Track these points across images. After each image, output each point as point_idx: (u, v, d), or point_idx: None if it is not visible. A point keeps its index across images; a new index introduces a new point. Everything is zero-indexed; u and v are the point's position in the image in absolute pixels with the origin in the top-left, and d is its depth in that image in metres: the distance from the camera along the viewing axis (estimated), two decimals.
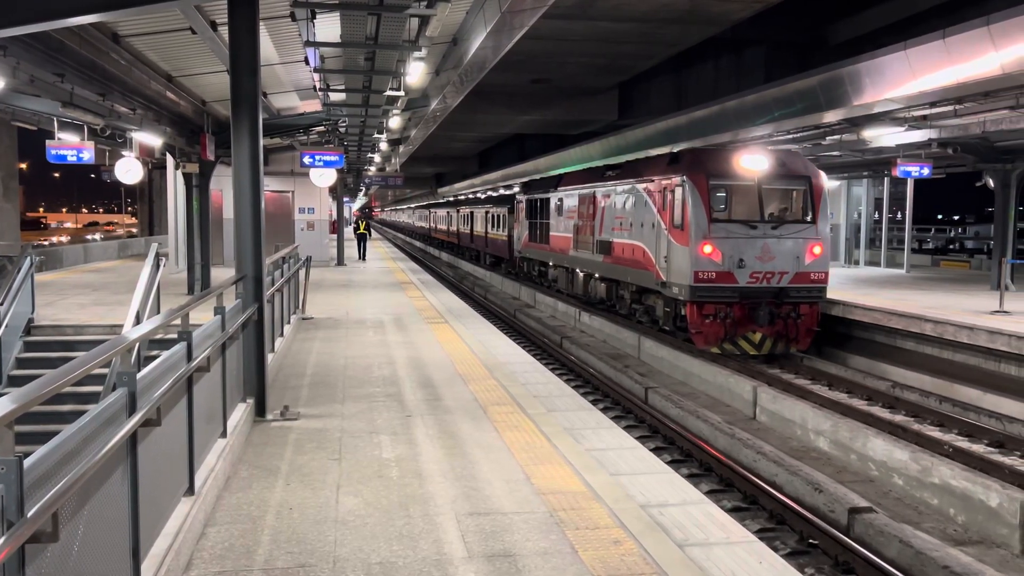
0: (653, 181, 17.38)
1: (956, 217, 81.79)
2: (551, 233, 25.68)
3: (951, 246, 49.59)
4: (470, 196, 51.83)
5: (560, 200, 24.79)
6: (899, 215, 40.72)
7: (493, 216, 36.99)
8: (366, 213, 38.00)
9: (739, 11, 15.68)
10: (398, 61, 11.81)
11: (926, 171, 21.41)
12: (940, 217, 79.35)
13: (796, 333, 15.86)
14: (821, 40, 17.72)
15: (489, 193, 46.06)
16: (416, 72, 12.82)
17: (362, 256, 32.41)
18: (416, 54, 11.11)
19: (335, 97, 15.88)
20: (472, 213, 42.83)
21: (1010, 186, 21.58)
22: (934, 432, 11.41)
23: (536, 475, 6.28)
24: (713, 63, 20.70)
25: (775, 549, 7.44)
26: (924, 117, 16.29)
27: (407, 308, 16.61)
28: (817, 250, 15.77)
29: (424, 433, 7.42)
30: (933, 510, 9.08)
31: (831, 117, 15.58)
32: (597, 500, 5.76)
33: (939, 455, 9.72)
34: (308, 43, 10.34)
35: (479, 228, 40.42)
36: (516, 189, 41.88)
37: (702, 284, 15.38)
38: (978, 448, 10.68)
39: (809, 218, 15.92)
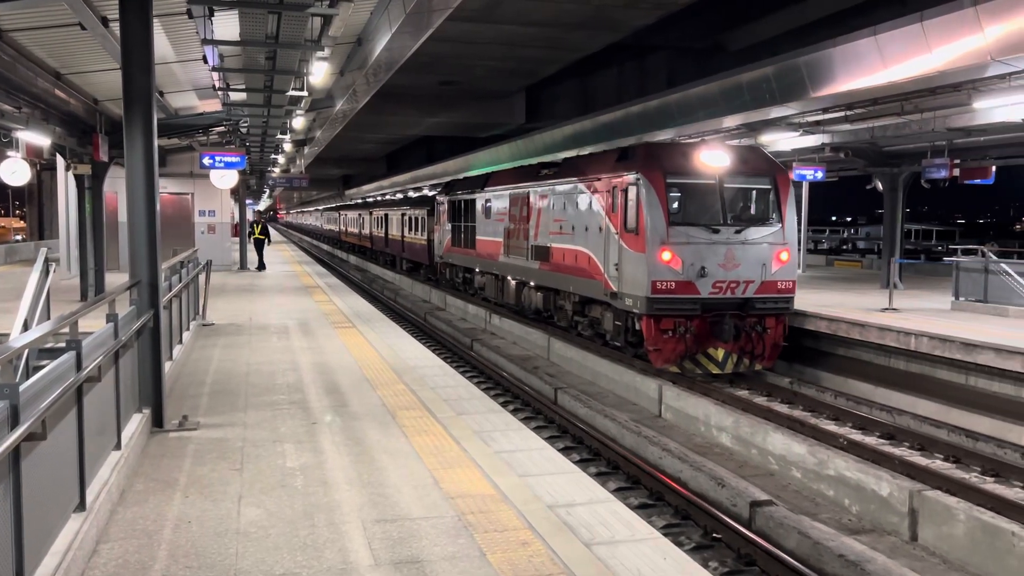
0: (600, 179, 15.57)
1: (849, 219, 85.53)
2: (478, 237, 23.56)
3: (844, 246, 51.75)
4: (385, 197, 50.03)
5: (488, 201, 22.77)
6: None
7: (411, 219, 34.27)
8: (265, 215, 32.60)
9: (641, 17, 15.97)
10: (301, 61, 11.60)
11: (820, 174, 22.29)
12: (834, 219, 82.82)
13: (762, 349, 14.29)
14: (721, 46, 18.23)
15: (409, 193, 44.00)
16: (320, 72, 12.61)
17: (261, 264, 29.02)
18: (319, 54, 10.94)
19: (236, 97, 15.49)
20: (387, 215, 39.94)
21: (897, 189, 22.68)
22: (830, 426, 11.85)
23: (445, 479, 6.24)
24: (618, 68, 21.06)
25: (680, 545, 7.60)
26: (818, 123, 16.97)
27: (313, 313, 16.32)
28: (784, 256, 14.26)
29: (330, 440, 7.29)
30: (829, 501, 9.43)
31: (730, 122, 16.06)
32: (506, 502, 5.77)
33: (834, 448, 10.10)
34: (206, 41, 10.04)
35: (395, 231, 37.73)
36: (427, 190, 41.61)
37: (661, 295, 13.67)
38: (871, 440, 11.14)
39: (775, 220, 14.37)
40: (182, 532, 5.23)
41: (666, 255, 13.69)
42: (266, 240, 29.74)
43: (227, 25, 10.10)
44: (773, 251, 14.19)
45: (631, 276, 14.24)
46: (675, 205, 14.14)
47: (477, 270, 24.33)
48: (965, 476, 9.69)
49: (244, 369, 10.53)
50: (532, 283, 19.57)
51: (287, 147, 29.81)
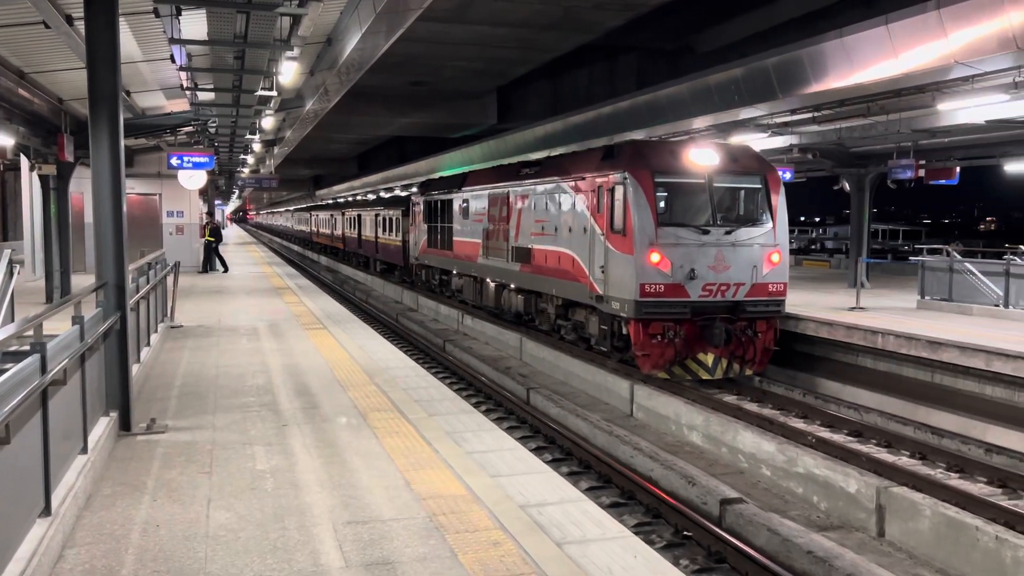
0: (584, 179, 15.06)
1: (817, 219, 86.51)
2: (455, 238, 22.82)
3: (813, 246, 52.31)
4: (357, 198, 49.47)
5: (466, 201, 22.05)
6: None
7: (385, 219, 33.45)
8: (212, 220, 27.89)
9: (611, 19, 16.04)
10: (270, 60, 11.53)
11: (788, 175, 22.52)
12: (803, 219, 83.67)
13: (753, 354, 13.89)
14: (690, 48, 18.37)
15: (381, 194, 43.36)
16: (289, 72, 12.53)
17: (210, 267, 27.28)
18: (288, 53, 10.87)
19: (204, 96, 15.35)
20: (360, 216, 39.05)
21: (864, 189, 22.97)
22: (799, 424, 11.98)
23: (416, 480, 6.23)
24: (589, 69, 21.14)
25: (651, 543, 7.65)
26: (786, 124, 17.16)
27: (284, 314, 16.20)
28: (776, 258, 13.86)
29: (301, 443, 7.25)
30: (798, 498, 9.53)
31: (700, 123, 16.18)
32: (477, 502, 5.77)
33: (803, 446, 10.21)
34: (173, 40, 9.95)
35: (368, 232, 36.83)
36: (399, 191, 41.35)
37: (649, 299, 13.23)
38: (839, 438, 11.28)
39: (766, 221, 14.00)
40: (150, 536, 5.17)
41: (655, 257, 13.28)
42: (216, 242, 27.87)
43: (195, 24, 10.01)
44: (764, 252, 13.80)
45: (618, 279, 13.79)
46: (662, 205, 13.75)
47: (454, 272, 23.60)
48: (931, 472, 9.85)
49: (213, 371, 10.43)
50: (512, 286, 19.02)
51: (256, 147, 29.61)
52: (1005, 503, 8.76)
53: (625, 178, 13.57)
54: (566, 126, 20.14)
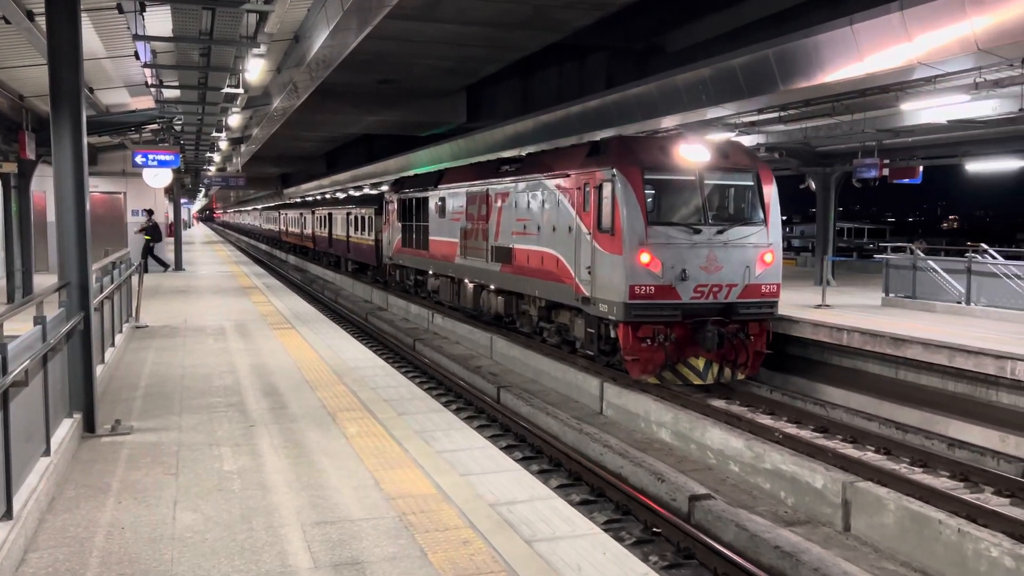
0: (569, 176, 14.56)
1: (784, 218, 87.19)
2: (431, 237, 22.22)
3: None
4: (326, 196, 49.24)
5: (442, 199, 21.48)
6: None
7: (357, 218, 32.67)
8: (151, 217, 25.03)
9: (580, 18, 16.06)
10: (236, 57, 11.42)
11: None
12: None
13: (745, 357, 13.45)
14: (659, 48, 18.45)
15: (351, 192, 42.60)
16: (256, 69, 12.44)
17: (146, 267, 24.07)
18: (255, 51, 10.78)
19: (169, 94, 15.16)
20: (331, 215, 38.22)
21: (830, 188, 23.27)
22: (766, 420, 12.10)
23: (386, 480, 6.20)
24: (558, 69, 21.16)
25: (620, 540, 7.68)
26: (753, 123, 17.31)
27: (251, 314, 16.06)
28: (769, 258, 13.43)
29: (269, 443, 7.19)
30: (766, 494, 9.63)
31: (668, 123, 16.26)
32: (447, 501, 5.76)
33: (770, 442, 10.32)
34: (137, 37, 9.81)
35: (339, 231, 36.02)
36: (368, 189, 41.05)
37: (639, 301, 12.75)
38: (805, 434, 11.41)
39: (759, 219, 13.61)
40: (115, 539, 5.10)
41: (645, 257, 12.79)
42: (153, 241, 25.98)
43: (159, 20, 9.86)
44: (757, 252, 13.38)
45: (606, 280, 13.29)
46: (652, 203, 13.32)
47: (431, 272, 22.99)
48: (895, 467, 10.00)
49: (179, 372, 10.32)
50: (492, 287, 18.41)
51: (223, 145, 29.29)
52: (967, 497, 8.93)
53: (613, 175, 13.12)
54: (536, 125, 20.14)
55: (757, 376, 14.14)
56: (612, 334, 13.48)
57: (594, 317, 13.90)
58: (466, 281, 20.16)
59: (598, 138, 16.39)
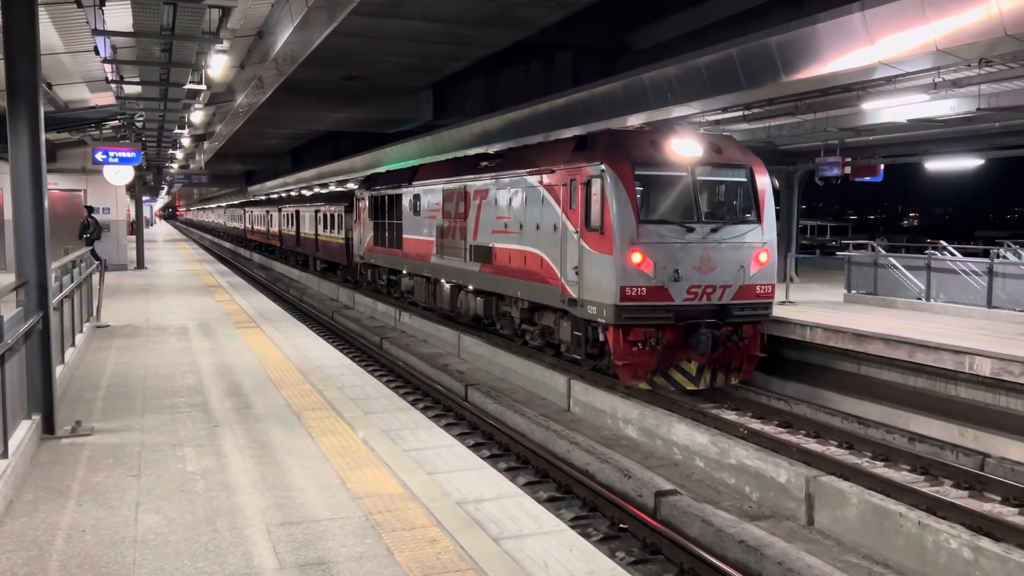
0: (554, 172, 13.86)
1: None
2: (405, 236, 21.44)
3: None
4: (291, 194, 48.15)
5: (416, 197, 20.65)
6: None
7: (327, 216, 31.73)
8: (90, 212, 23.87)
9: (545, 16, 16.10)
10: (198, 53, 11.28)
11: None
12: None
13: (739, 361, 12.97)
14: (625, 46, 18.55)
15: (317, 190, 42.01)
16: (219, 65, 12.30)
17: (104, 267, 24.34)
18: (218, 47, 10.66)
19: (130, 90, 14.96)
20: (299, 212, 37.18)
21: (793, 186, 23.54)
22: (731, 416, 12.22)
23: (352, 479, 6.17)
24: (525, 67, 21.18)
25: (587, 536, 7.71)
26: (717, 122, 17.45)
27: (215, 313, 15.87)
28: (763, 257, 12.89)
29: (233, 443, 7.11)
30: (731, 489, 9.72)
31: (634, 121, 16.35)
32: (414, 500, 5.74)
33: (735, 437, 10.42)
34: (97, 31, 9.65)
35: (308, 229, 35.15)
36: (334, 186, 40.75)
37: (630, 303, 12.15)
38: (769, 429, 11.54)
39: (753, 217, 13.03)
40: (75, 542, 5.02)
41: (636, 257, 12.17)
42: (93, 236, 24.09)
43: (120, 15, 9.72)
44: (752, 251, 12.82)
45: (595, 281, 12.65)
46: (646, 200, 12.73)
47: (405, 272, 22.19)
48: (858, 461, 10.15)
49: (141, 372, 10.17)
50: (471, 287, 17.65)
51: (186, 142, 28.95)
52: (927, 490, 9.09)
53: (603, 171, 12.45)
54: (504, 123, 20.15)
55: (752, 381, 13.72)
56: (601, 337, 12.92)
57: (581, 320, 13.28)
58: (443, 281, 19.43)
59: (570, 135, 16.30)
